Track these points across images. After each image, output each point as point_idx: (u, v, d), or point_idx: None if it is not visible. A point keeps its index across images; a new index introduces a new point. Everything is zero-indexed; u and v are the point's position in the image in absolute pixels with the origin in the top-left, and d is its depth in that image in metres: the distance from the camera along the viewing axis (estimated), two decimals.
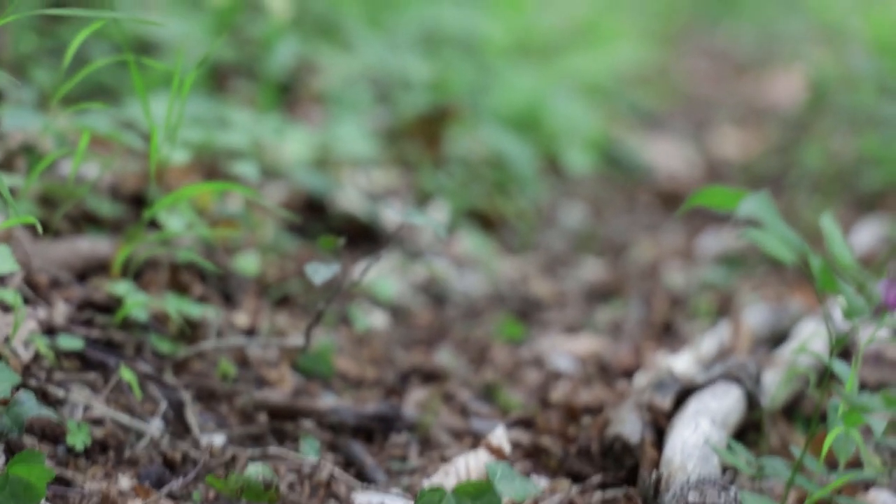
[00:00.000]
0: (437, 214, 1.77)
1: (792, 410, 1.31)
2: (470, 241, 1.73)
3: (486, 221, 1.85)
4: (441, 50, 2.16)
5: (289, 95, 1.99)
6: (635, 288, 1.76)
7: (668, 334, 1.56)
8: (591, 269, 1.85)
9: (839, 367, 1.15)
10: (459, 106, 1.91)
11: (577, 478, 1.14)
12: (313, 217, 1.70)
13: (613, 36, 3.01)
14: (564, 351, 1.49)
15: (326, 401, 1.19)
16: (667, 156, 2.64)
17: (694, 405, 1.18)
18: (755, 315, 1.48)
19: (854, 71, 2.81)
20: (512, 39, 2.52)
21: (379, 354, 1.39)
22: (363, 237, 1.70)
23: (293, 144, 1.56)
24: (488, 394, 1.31)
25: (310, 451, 1.03)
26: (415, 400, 1.26)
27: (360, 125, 1.75)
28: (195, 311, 1.20)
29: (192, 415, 1.11)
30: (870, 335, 0.98)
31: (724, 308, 1.61)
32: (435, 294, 1.61)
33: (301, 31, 1.84)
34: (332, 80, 1.96)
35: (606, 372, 1.44)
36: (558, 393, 1.32)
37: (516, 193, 1.93)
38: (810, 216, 1.99)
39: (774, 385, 1.27)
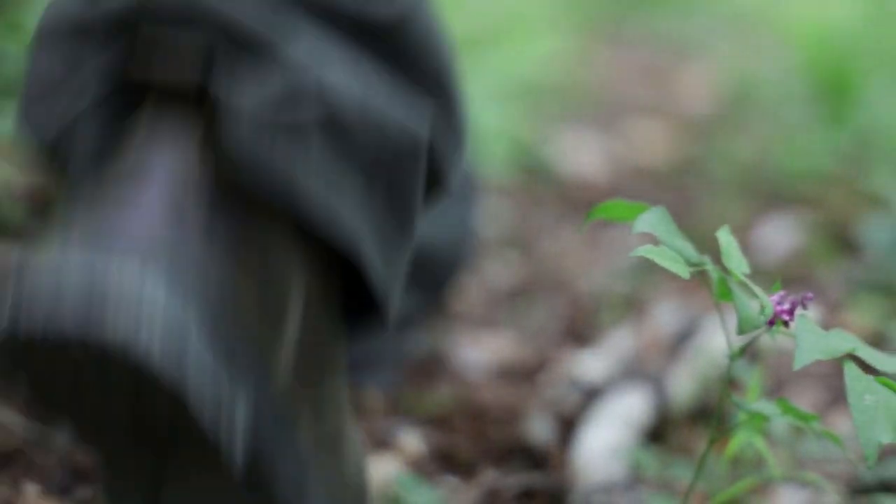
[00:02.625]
0: None
1: (699, 411, 1.34)
2: None
3: None
4: None
5: None
6: (549, 289, 1.78)
7: (581, 335, 1.58)
8: (505, 270, 1.87)
9: (741, 371, 1.18)
10: None
11: (486, 479, 1.15)
12: None
13: (529, 32, 3.02)
14: (477, 351, 1.50)
15: None
16: (581, 157, 2.66)
17: (601, 406, 1.20)
18: (665, 315, 1.51)
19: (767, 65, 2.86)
20: None
21: None
22: None
23: None
24: (399, 394, 1.32)
25: None
26: None
27: None
28: None
29: None
30: (769, 342, 1.00)
31: (636, 308, 1.63)
32: None
33: None
34: None
35: (518, 372, 1.45)
36: (470, 394, 1.34)
37: None
38: (723, 214, 2.02)
39: (682, 385, 1.30)
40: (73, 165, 0.84)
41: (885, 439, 0.78)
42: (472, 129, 1.09)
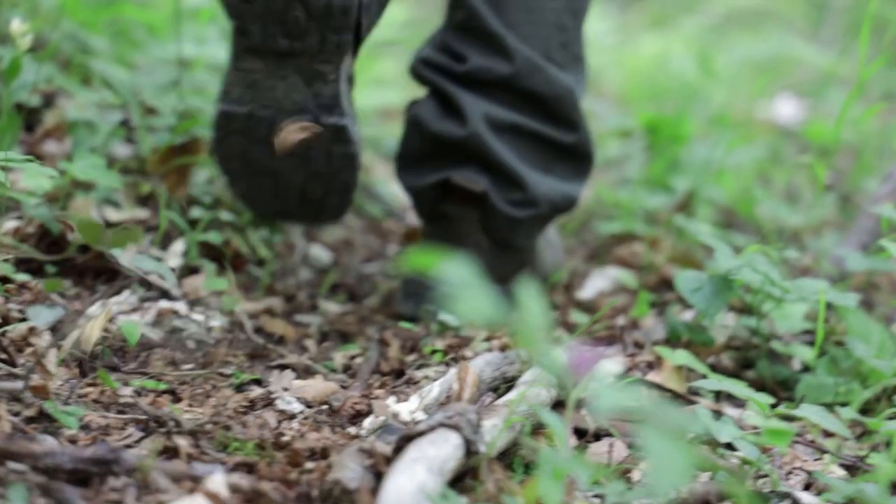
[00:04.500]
0: (174, 255, 1.77)
1: (509, 457, 1.36)
2: (209, 281, 1.74)
3: (231, 260, 1.86)
4: (190, 83, 2.16)
5: (31, 128, 1.96)
6: (373, 330, 1.79)
7: (401, 379, 1.59)
8: (333, 310, 1.87)
9: (550, 418, 1.20)
10: (206, 141, 1.91)
11: None
12: (52, 251, 1.68)
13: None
14: (297, 393, 1.50)
15: (44, 443, 1.17)
16: None
17: (412, 451, 1.21)
18: (482, 362, 1.53)
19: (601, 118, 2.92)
20: None
21: (108, 394, 1.39)
22: (104, 274, 1.68)
23: (30, 179, 1.53)
24: (214, 436, 1.31)
25: (17, 499, 1.02)
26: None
27: (101, 159, 1.74)
28: None
29: None
30: (580, 389, 1.03)
31: (458, 353, 1.65)
32: (169, 334, 1.61)
33: (43, 62, 1.81)
34: (76, 112, 1.94)
35: (337, 415, 1.46)
36: (285, 436, 1.34)
37: (259, 233, 1.94)
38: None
39: (494, 432, 1.32)
40: None
41: (676, 487, 0.81)
42: None
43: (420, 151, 1.87)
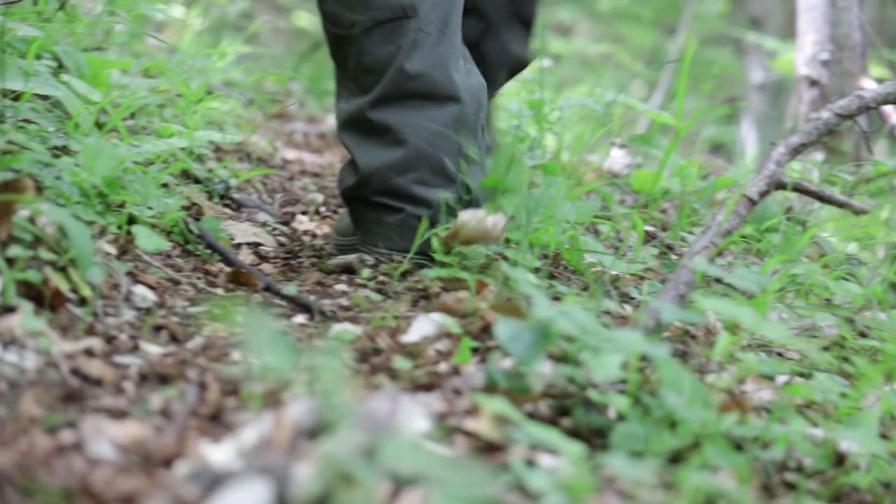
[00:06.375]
0: None
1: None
2: (26, 321, 1.71)
3: (50, 300, 1.83)
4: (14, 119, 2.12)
5: None
6: (194, 372, 1.78)
7: (218, 422, 1.58)
8: (154, 351, 1.86)
9: (360, 468, 1.21)
10: (29, 180, 1.88)
11: None
12: None
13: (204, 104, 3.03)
14: (109, 436, 1.48)
15: None
16: (250, 235, 2.68)
17: (220, 497, 1.21)
18: (301, 406, 1.53)
19: None
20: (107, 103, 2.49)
21: None
22: None
23: None
24: (18, 483, 1.29)
25: None
26: None
27: None
28: None
29: None
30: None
31: (277, 397, 1.64)
32: None
33: None
34: None
35: (149, 460, 1.44)
36: (93, 482, 1.32)
37: (79, 272, 1.91)
38: None
39: (305, 479, 1.32)
40: None
41: None
42: None
43: None
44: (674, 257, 2.76)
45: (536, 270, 2.48)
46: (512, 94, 3.86)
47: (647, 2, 9.55)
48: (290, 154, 3.71)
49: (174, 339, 1.94)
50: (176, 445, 1.47)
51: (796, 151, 2.26)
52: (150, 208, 2.28)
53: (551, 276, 2.50)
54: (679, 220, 3.00)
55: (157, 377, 1.77)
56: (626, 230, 2.68)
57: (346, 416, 0.84)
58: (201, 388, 1.71)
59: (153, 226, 2.30)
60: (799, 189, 2.24)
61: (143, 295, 2.06)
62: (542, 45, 2.90)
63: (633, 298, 2.43)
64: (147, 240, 2.07)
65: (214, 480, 1.24)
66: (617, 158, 3.90)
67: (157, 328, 1.96)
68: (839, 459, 1.76)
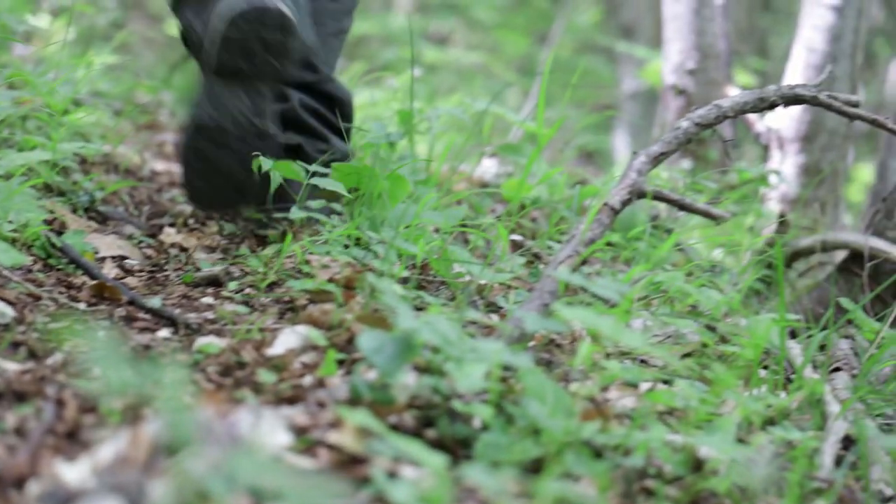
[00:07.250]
0: None
1: None
2: None
3: None
4: None
5: None
6: (51, 389, 1.75)
7: (75, 440, 1.56)
8: (11, 368, 1.82)
9: (215, 483, 1.20)
10: None
11: None
12: None
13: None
14: None
15: None
16: (115, 248, 2.64)
17: None
18: (157, 424, 1.51)
19: None
20: None
21: None
22: None
23: None
24: None
25: None
26: None
27: None
28: None
29: None
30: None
31: (137, 413, 1.62)
32: None
33: None
34: None
35: (0, 481, 1.41)
36: None
37: None
38: None
39: (164, 497, 1.30)
40: None
41: None
42: None
43: None
44: (541, 266, 2.79)
45: (405, 280, 2.49)
46: (383, 104, 3.87)
47: (520, 11, 9.63)
48: (160, 165, 3.66)
49: (33, 355, 1.91)
50: (29, 465, 1.44)
51: (657, 160, 2.29)
52: (10, 222, 2.24)
53: (420, 287, 2.50)
54: (548, 228, 3.03)
55: (13, 395, 1.74)
56: (494, 239, 2.70)
57: (197, 431, 0.83)
58: (59, 405, 1.68)
59: (13, 240, 2.26)
60: (659, 198, 2.27)
61: (2, 311, 2.03)
62: (414, 54, 2.93)
63: (500, 308, 2.44)
64: (5, 255, 2.03)
65: (67, 500, 1.22)
66: (488, 167, 3.92)
67: (16, 344, 1.93)
68: (698, 465, 1.79)
